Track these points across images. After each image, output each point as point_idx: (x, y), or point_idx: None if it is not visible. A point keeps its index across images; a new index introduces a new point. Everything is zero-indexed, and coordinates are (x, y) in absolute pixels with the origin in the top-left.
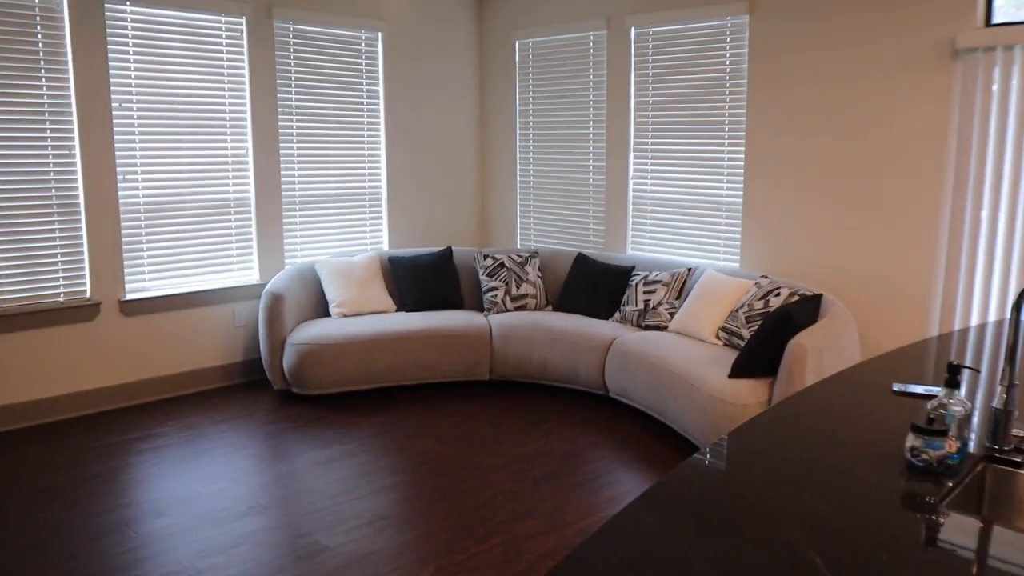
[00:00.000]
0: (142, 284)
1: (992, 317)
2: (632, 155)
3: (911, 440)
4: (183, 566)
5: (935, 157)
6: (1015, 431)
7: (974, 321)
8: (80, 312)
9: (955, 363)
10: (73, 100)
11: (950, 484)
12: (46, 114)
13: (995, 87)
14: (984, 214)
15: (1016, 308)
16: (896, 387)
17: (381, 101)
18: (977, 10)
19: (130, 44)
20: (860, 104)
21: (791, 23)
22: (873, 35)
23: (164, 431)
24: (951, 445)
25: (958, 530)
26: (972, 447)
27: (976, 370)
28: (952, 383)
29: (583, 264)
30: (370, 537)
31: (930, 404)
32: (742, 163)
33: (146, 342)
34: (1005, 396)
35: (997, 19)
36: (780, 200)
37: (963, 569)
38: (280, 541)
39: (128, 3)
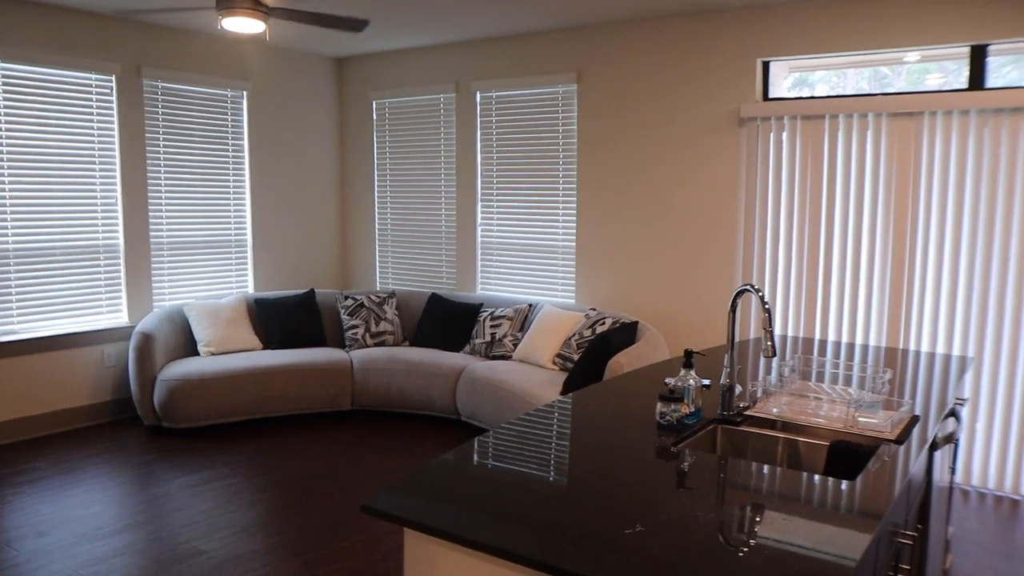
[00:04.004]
0: (11, 327)
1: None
2: (480, 204)
3: (659, 407)
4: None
5: (730, 204)
6: (738, 401)
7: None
8: None
9: (689, 350)
10: None
11: (686, 435)
12: None
13: (771, 148)
14: (768, 249)
15: (731, 309)
16: (668, 380)
17: (246, 154)
18: (756, 87)
19: (0, 98)
20: (668, 162)
21: (610, 93)
22: (677, 104)
23: (38, 466)
24: (685, 408)
25: (690, 461)
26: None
27: (702, 354)
28: (688, 364)
29: (436, 303)
30: (244, 541)
31: (671, 380)
32: (575, 212)
33: (16, 383)
34: (728, 377)
35: (772, 94)
36: (606, 244)
37: (692, 480)
38: (159, 549)
39: None
